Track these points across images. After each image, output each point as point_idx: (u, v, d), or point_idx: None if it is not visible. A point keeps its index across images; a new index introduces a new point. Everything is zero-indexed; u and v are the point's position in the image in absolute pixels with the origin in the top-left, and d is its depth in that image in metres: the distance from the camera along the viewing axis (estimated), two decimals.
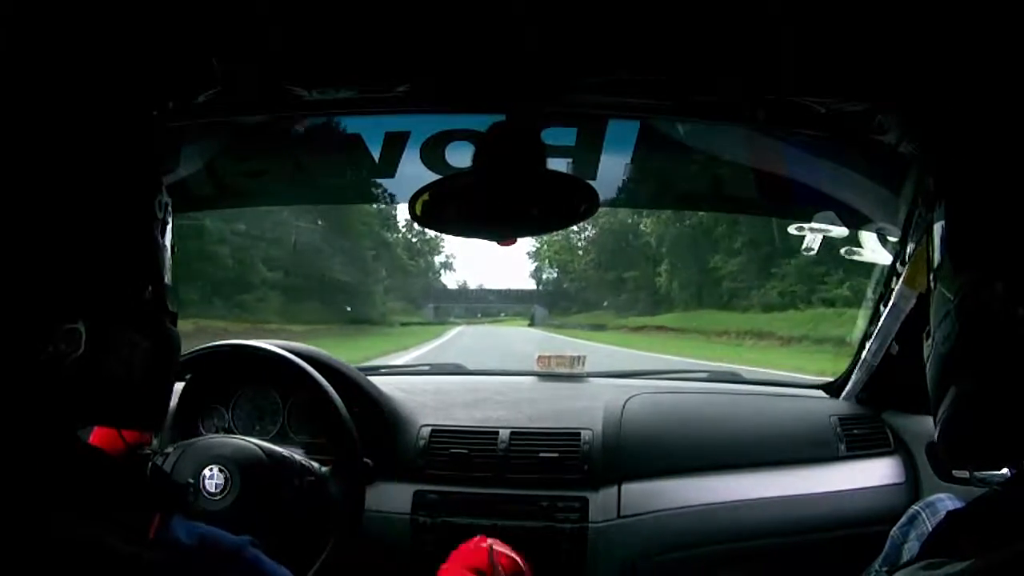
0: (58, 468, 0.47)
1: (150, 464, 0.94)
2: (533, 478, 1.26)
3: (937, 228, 0.56)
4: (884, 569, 0.77)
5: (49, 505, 0.44)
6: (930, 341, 0.56)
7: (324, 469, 1.08)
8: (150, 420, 0.57)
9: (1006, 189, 0.51)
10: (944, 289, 0.54)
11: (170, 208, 0.58)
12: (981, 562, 0.45)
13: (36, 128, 0.48)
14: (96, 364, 0.49)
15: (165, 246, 0.56)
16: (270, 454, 1.01)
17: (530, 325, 26.14)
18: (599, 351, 10.84)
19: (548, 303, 27.69)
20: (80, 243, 0.49)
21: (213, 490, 0.95)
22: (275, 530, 0.80)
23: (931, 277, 0.58)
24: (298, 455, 1.04)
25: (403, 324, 19.54)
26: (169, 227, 0.58)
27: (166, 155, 0.60)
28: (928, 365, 0.57)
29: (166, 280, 0.56)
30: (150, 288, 0.54)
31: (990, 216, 0.51)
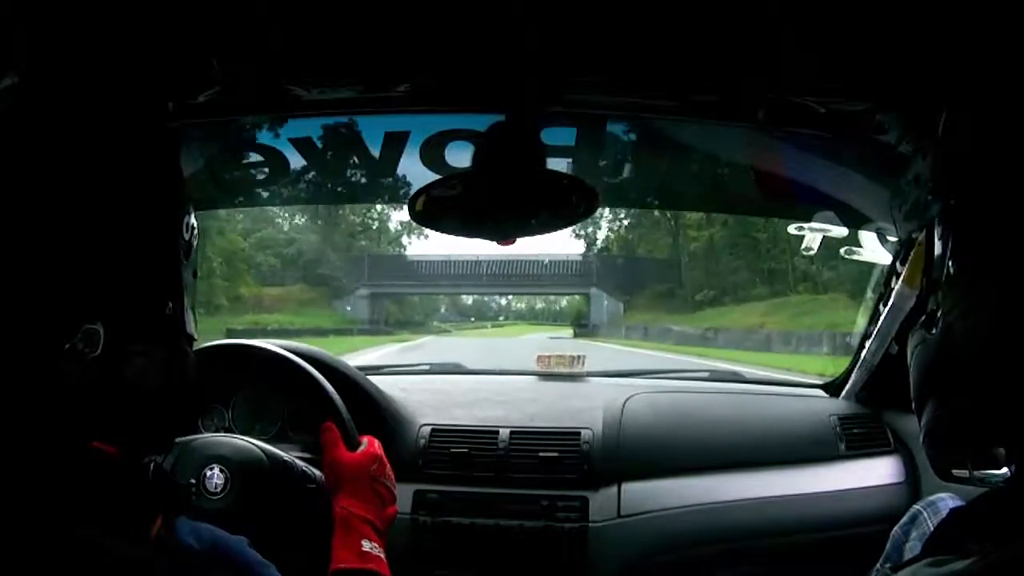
0: (62, 467, 0.47)
1: (152, 464, 0.94)
2: (533, 478, 1.26)
3: (939, 244, 0.55)
4: (888, 566, 0.77)
5: (52, 504, 0.44)
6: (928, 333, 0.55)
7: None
8: (158, 439, 0.57)
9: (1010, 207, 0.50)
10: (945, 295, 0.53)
11: (197, 232, 0.57)
12: (985, 560, 0.45)
13: (57, 132, 0.49)
14: (112, 369, 0.49)
15: (189, 267, 0.56)
16: (272, 458, 1.00)
17: (577, 335, 13.54)
18: None
19: (618, 283, 13.52)
20: (104, 247, 0.49)
21: (212, 490, 0.95)
22: (272, 534, 0.79)
23: (930, 279, 0.57)
24: (300, 463, 1.03)
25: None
26: (195, 250, 0.57)
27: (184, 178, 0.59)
28: (922, 361, 0.56)
29: (187, 302, 0.56)
30: (170, 305, 0.54)
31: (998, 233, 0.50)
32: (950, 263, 0.53)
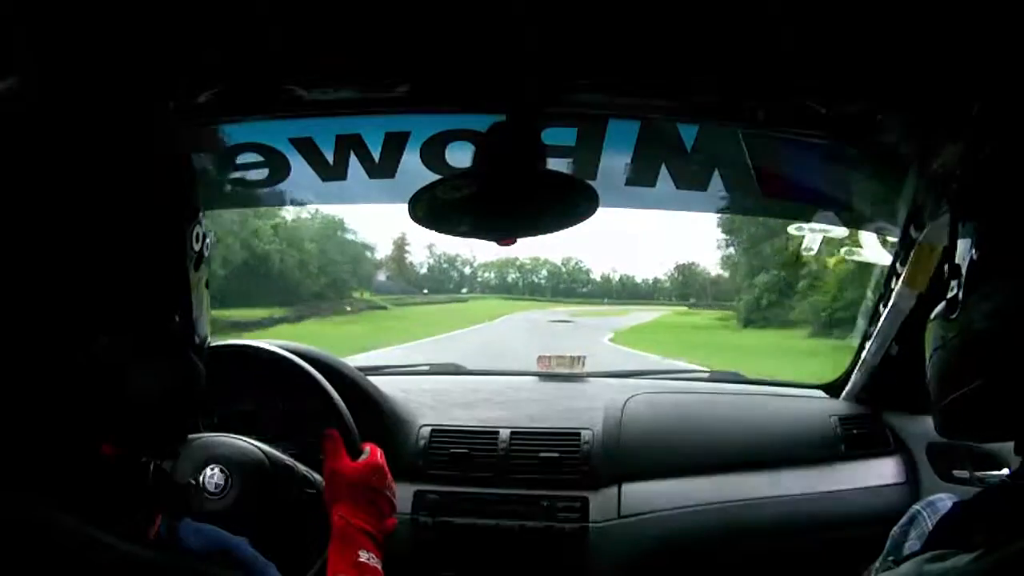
0: (62, 468, 0.47)
1: (152, 464, 0.94)
2: (533, 478, 1.26)
3: (963, 231, 0.55)
4: (891, 559, 0.77)
5: (51, 504, 0.44)
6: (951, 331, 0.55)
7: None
8: (164, 447, 0.56)
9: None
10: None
11: (208, 242, 0.57)
12: (989, 554, 0.45)
13: (69, 140, 0.48)
14: (116, 382, 0.48)
15: (199, 277, 0.55)
16: (273, 460, 0.99)
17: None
18: None
19: None
20: (108, 258, 0.48)
21: (212, 490, 0.94)
22: (270, 536, 0.79)
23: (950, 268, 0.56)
24: (302, 467, 1.03)
25: None
26: (206, 260, 0.56)
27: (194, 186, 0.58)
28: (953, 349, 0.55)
29: (196, 312, 0.55)
30: (178, 317, 0.53)
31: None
32: (974, 252, 0.52)
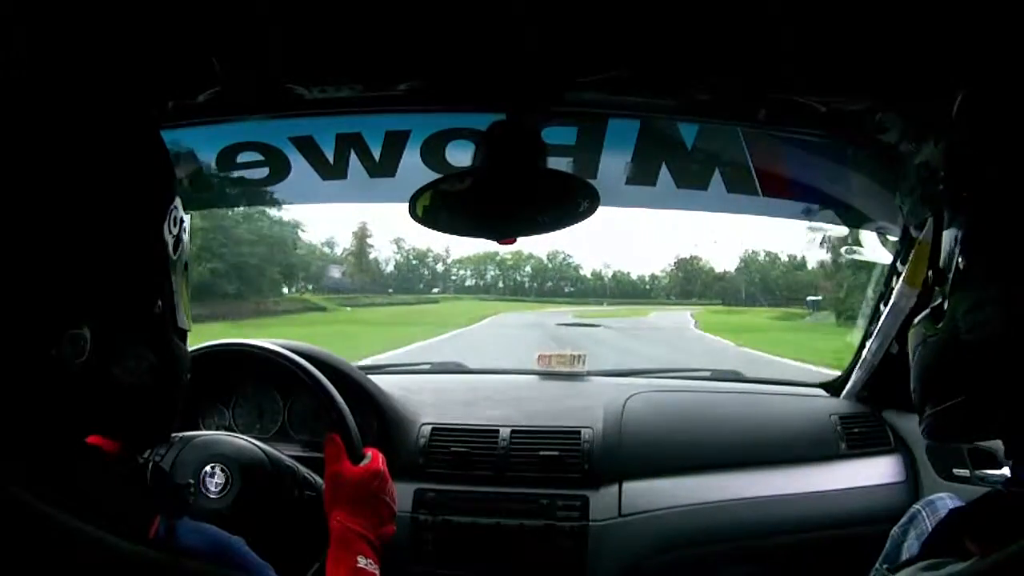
0: (59, 467, 0.47)
1: (151, 463, 0.94)
2: (533, 477, 1.26)
3: (947, 236, 0.55)
4: (885, 567, 0.77)
5: (49, 503, 0.44)
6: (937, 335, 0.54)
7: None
8: (153, 435, 0.57)
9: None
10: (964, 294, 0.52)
11: (186, 225, 0.57)
12: (983, 562, 0.45)
13: (43, 130, 0.48)
14: (101, 372, 0.48)
15: (178, 262, 0.55)
16: (274, 460, 0.99)
17: None
18: None
19: None
20: (85, 249, 0.48)
21: (213, 488, 0.95)
22: (269, 536, 0.79)
23: (936, 275, 0.56)
24: (303, 469, 1.03)
25: None
26: (185, 244, 0.56)
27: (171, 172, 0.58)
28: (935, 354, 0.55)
29: (177, 298, 0.55)
30: (160, 303, 0.53)
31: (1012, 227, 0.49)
32: (959, 258, 0.52)
